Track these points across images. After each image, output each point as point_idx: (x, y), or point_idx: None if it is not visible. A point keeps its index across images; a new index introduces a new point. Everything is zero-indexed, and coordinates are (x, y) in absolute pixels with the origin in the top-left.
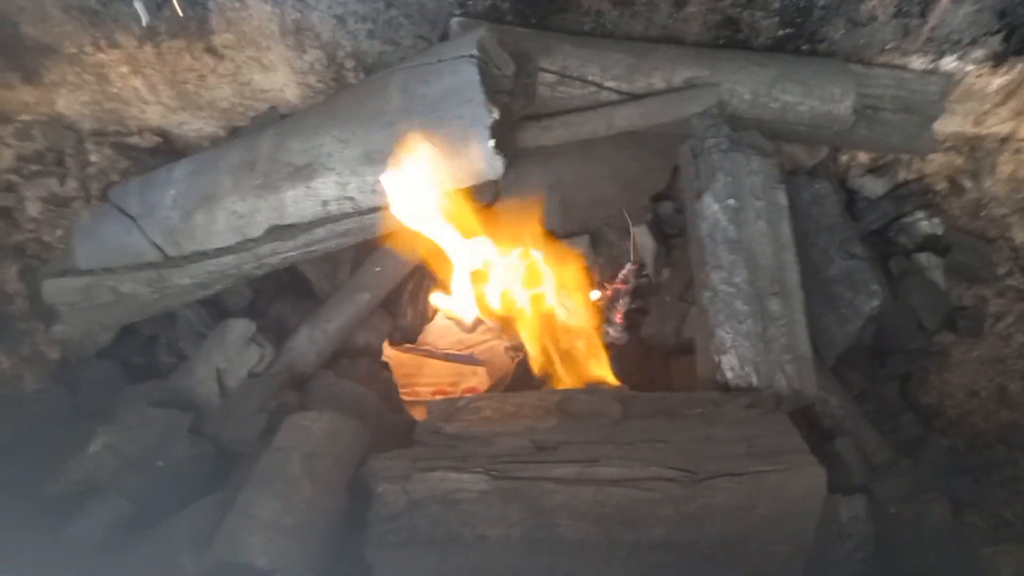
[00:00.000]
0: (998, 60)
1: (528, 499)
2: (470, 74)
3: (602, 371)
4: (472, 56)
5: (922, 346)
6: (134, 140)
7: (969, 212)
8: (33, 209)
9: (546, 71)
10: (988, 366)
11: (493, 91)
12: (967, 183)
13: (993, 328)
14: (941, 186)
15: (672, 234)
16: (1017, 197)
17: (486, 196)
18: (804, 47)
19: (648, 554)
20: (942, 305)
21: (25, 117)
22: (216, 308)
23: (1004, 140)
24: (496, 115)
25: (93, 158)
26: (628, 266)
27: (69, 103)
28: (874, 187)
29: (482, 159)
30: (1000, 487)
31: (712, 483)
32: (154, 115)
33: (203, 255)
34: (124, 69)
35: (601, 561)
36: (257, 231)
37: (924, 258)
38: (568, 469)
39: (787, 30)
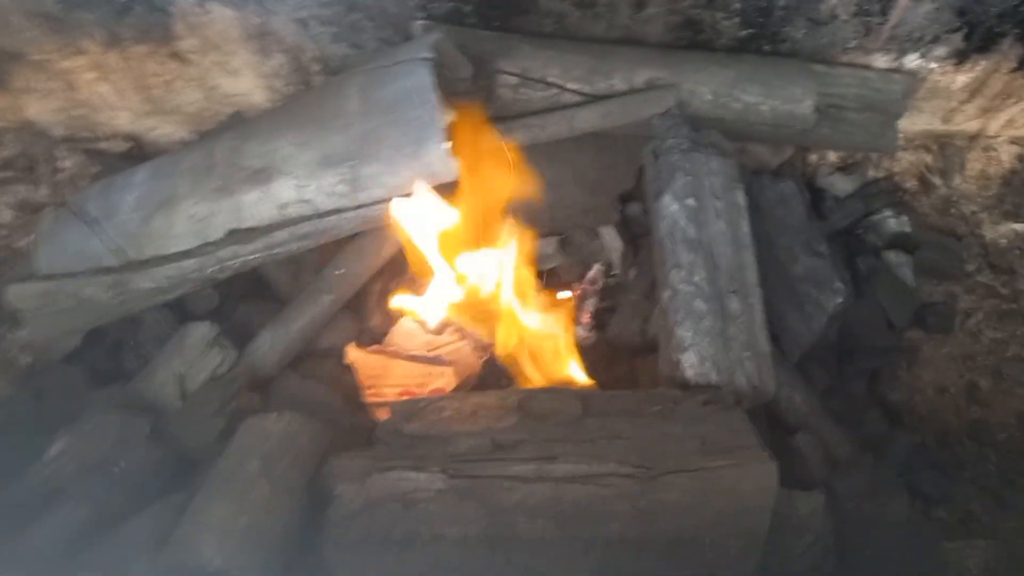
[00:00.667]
0: (960, 58)
1: (485, 497)
2: (424, 77)
3: (570, 371)
4: (427, 59)
5: (891, 343)
6: (105, 146)
7: (939, 209)
8: (4, 216)
9: (507, 73)
10: (958, 362)
11: (449, 93)
12: (936, 180)
13: (963, 325)
14: (910, 184)
15: (640, 234)
16: (986, 194)
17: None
18: (766, 47)
19: (605, 550)
20: (911, 302)
21: None
22: (181, 312)
23: (973, 137)
24: (449, 118)
25: (64, 164)
26: (596, 267)
27: (38, 110)
28: (843, 185)
29: (437, 161)
30: (969, 483)
31: (666, 479)
32: (124, 120)
33: (163, 259)
34: (91, 75)
35: (558, 558)
36: (216, 234)
37: (893, 256)
38: (525, 467)
39: (749, 31)
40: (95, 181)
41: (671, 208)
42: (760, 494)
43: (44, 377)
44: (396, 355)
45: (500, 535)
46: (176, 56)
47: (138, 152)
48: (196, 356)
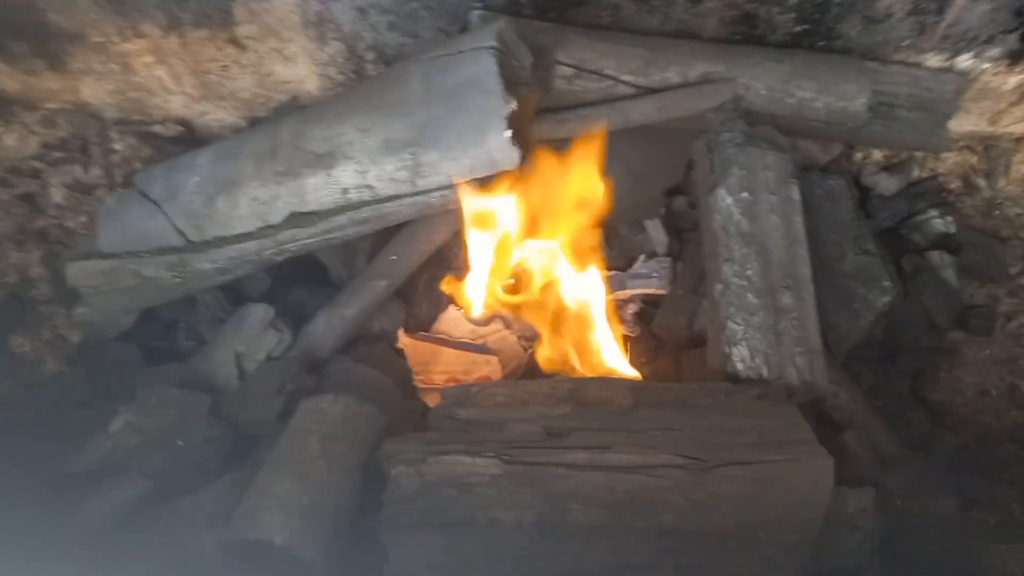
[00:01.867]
0: (1014, 58)
1: (540, 484)
2: (489, 64)
3: (617, 362)
4: (491, 47)
5: (933, 344)
6: (157, 129)
7: (982, 211)
8: (57, 196)
9: (563, 64)
10: (999, 365)
11: (511, 82)
12: (981, 182)
13: (1004, 328)
14: (955, 185)
15: (684, 228)
16: None
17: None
18: (820, 44)
19: (657, 540)
20: (954, 303)
21: (50, 105)
22: (235, 294)
23: (1019, 140)
24: (513, 105)
25: (117, 146)
26: (640, 259)
27: (94, 91)
28: (888, 185)
29: (499, 149)
30: (1009, 485)
31: (722, 471)
32: (177, 105)
33: (224, 240)
34: (149, 59)
35: (611, 546)
36: (278, 217)
37: (936, 256)
38: (580, 455)
39: (803, 26)
40: (152, 163)
41: (725, 201)
42: (816, 489)
43: (98, 355)
44: (443, 342)
45: (554, 522)
46: (234, 41)
47: (189, 136)
48: (254, 337)
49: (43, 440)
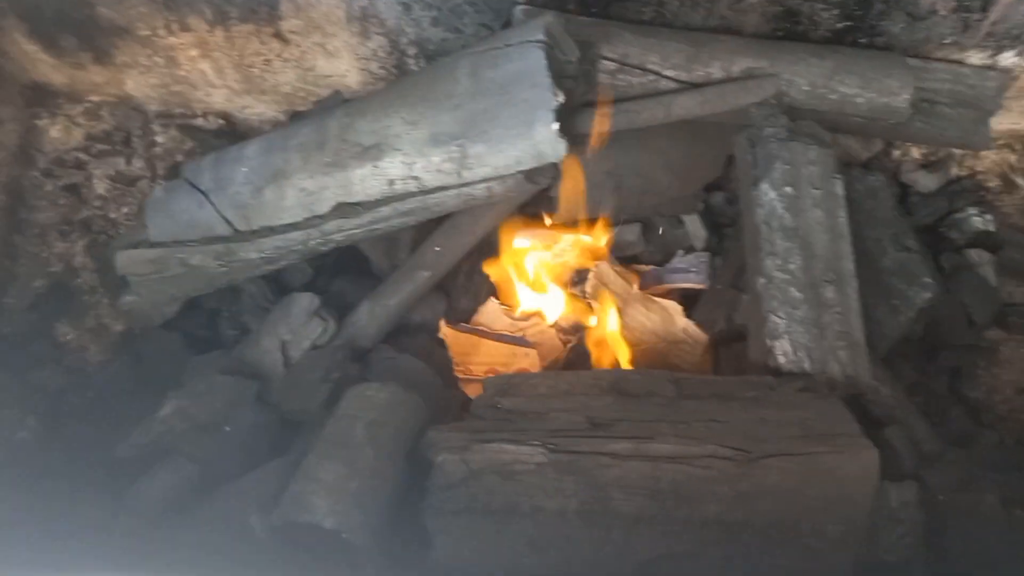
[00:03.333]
0: None
1: (584, 473)
2: (537, 58)
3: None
4: (539, 41)
5: (972, 341)
6: (199, 122)
7: (1021, 210)
8: (100, 187)
9: (606, 59)
10: None
11: (558, 76)
12: (1020, 181)
13: None
14: (994, 183)
15: (723, 223)
16: None
17: (545, 180)
18: (862, 40)
19: (701, 530)
20: (992, 301)
21: (94, 97)
22: (278, 284)
23: None
24: (561, 99)
25: (159, 139)
26: (679, 253)
27: (138, 84)
28: (927, 182)
29: (545, 142)
30: None
31: (767, 463)
32: (219, 98)
33: (271, 230)
34: (193, 52)
35: (654, 535)
36: (324, 208)
37: (975, 254)
38: (623, 445)
39: (846, 23)
40: (194, 156)
41: (768, 196)
42: (861, 481)
43: (143, 343)
44: (483, 334)
45: (598, 510)
46: (278, 36)
47: (229, 130)
48: (300, 325)
49: (89, 426)
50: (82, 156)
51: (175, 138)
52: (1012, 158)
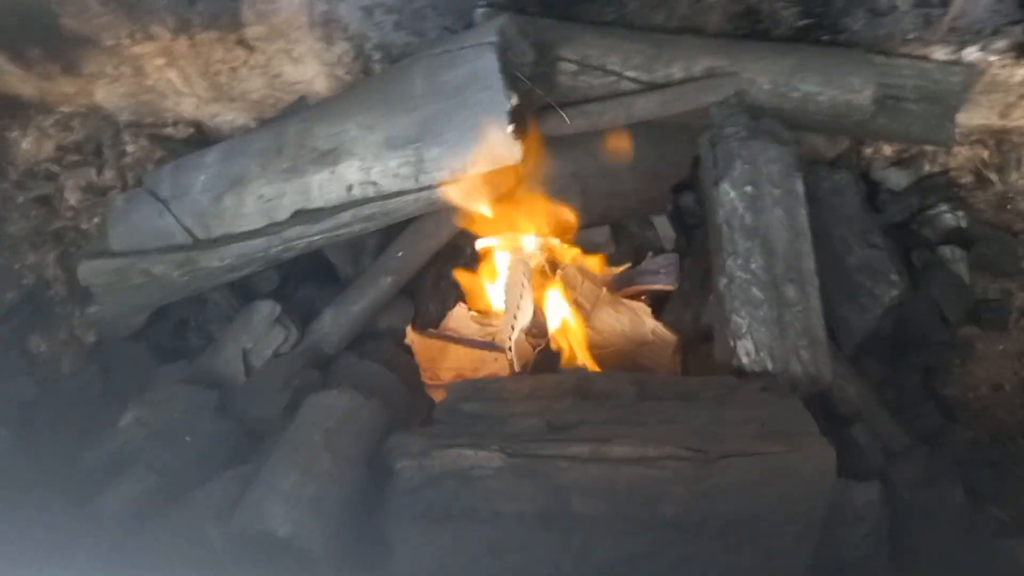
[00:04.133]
0: (1021, 51)
1: (542, 476)
2: (490, 60)
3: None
4: (492, 43)
5: (945, 339)
6: (169, 131)
7: (995, 206)
8: (72, 198)
9: (567, 60)
10: (1012, 360)
11: (512, 78)
12: (993, 176)
13: (1019, 322)
14: (966, 179)
15: (693, 224)
16: None
17: (508, 180)
18: (824, 37)
19: (659, 532)
20: (966, 298)
21: (65, 108)
22: (244, 292)
23: None
24: (514, 101)
25: (130, 148)
26: (648, 255)
27: (107, 94)
28: (898, 179)
29: (501, 143)
30: (1023, 481)
31: (723, 463)
32: (188, 107)
33: (232, 238)
34: (160, 61)
35: (612, 537)
36: (284, 214)
37: (948, 251)
38: (581, 447)
39: (808, 20)
40: (161, 164)
41: (729, 196)
42: (818, 479)
43: (110, 354)
44: (451, 339)
45: (556, 513)
46: (243, 43)
47: (200, 138)
48: (261, 333)
49: (58, 437)
50: (53, 167)
51: (145, 148)
52: (984, 154)
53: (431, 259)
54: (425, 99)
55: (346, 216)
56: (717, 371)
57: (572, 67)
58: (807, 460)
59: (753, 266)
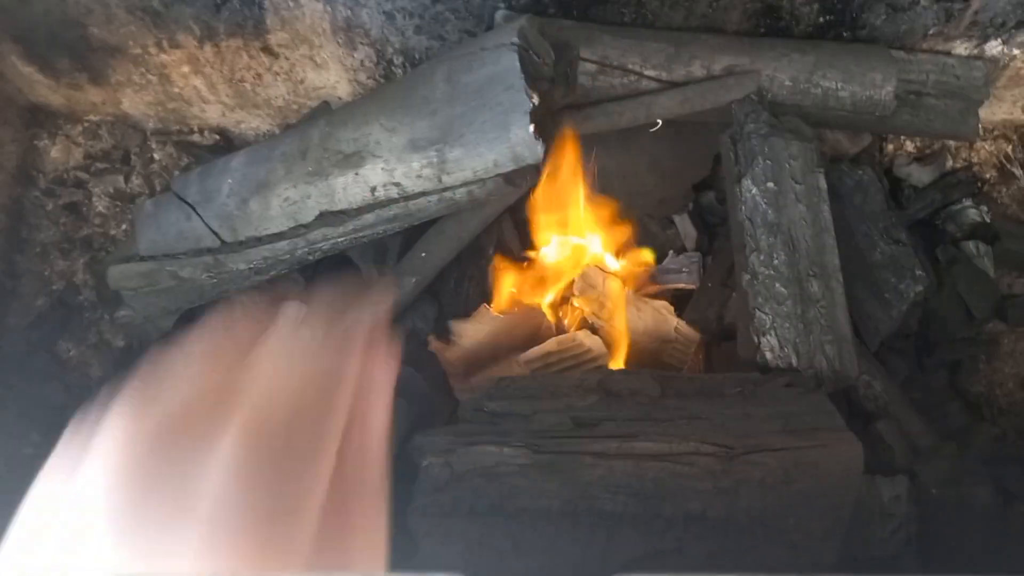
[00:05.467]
0: None
1: (567, 472)
2: (511, 61)
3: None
4: (513, 44)
5: (971, 335)
6: (195, 138)
7: (1019, 200)
8: (100, 204)
9: (587, 60)
10: None
11: (533, 78)
12: (1017, 171)
13: None
14: (990, 174)
15: (714, 223)
16: None
17: (525, 182)
18: (845, 34)
19: (685, 527)
20: (991, 293)
21: (93, 117)
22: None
23: None
24: (536, 101)
25: (157, 156)
26: (670, 254)
27: (134, 103)
28: (921, 176)
29: (522, 144)
30: None
31: (749, 458)
32: (214, 114)
33: (258, 240)
34: (185, 69)
35: (638, 533)
36: (308, 217)
37: (972, 246)
38: (607, 444)
39: (828, 17)
40: (190, 169)
41: (751, 192)
42: (845, 475)
43: (139, 357)
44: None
45: (582, 509)
46: (267, 50)
47: (225, 145)
48: None
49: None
50: (82, 175)
51: (172, 155)
52: (1008, 148)
53: (454, 259)
54: (446, 101)
55: (370, 217)
56: (741, 367)
57: (592, 67)
58: (834, 455)
59: (776, 262)
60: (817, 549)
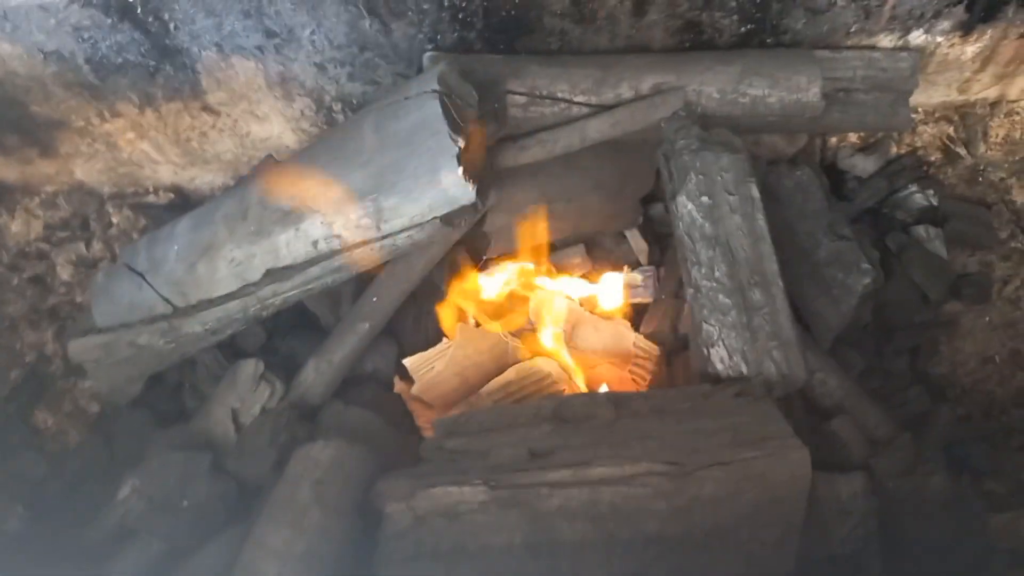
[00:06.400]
0: (966, 29)
1: (526, 505)
2: (433, 108)
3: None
4: (434, 91)
5: (929, 318)
6: (151, 199)
7: (966, 179)
8: (64, 273)
9: (516, 93)
10: (1000, 331)
11: (458, 121)
12: (961, 151)
13: (1001, 292)
14: (934, 156)
15: (665, 233)
16: (1013, 160)
17: (462, 222)
18: (768, 40)
19: (644, 549)
20: (944, 275)
21: (49, 188)
22: (232, 350)
23: (993, 104)
24: (461, 144)
25: (115, 219)
26: (625, 269)
27: (86, 171)
28: (865, 165)
29: (453, 186)
30: (1018, 452)
31: (700, 474)
32: (166, 173)
33: (209, 303)
34: (131, 135)
35: (600, 559)
36: (256, 275)
37: (923, 230)
38: (562, 473)
39: (749, 26)
40: (142, 234)
41: (687, 208)
42: (794, 482)
43: (113, 423)
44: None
45: (543, 541)
46: (208, 109)
47: (182, 202)
48: (247, 392)
49: (68, 510)
50: (43, 246)
51: (129, 217)
52: (950, 129)
53: (407, 298)
54: (377, 151)
55: (315, 270)
56: (694, 379)
57: (522, 99)
58: (782, 464)
59: (717, 274)
60: (772, 558)
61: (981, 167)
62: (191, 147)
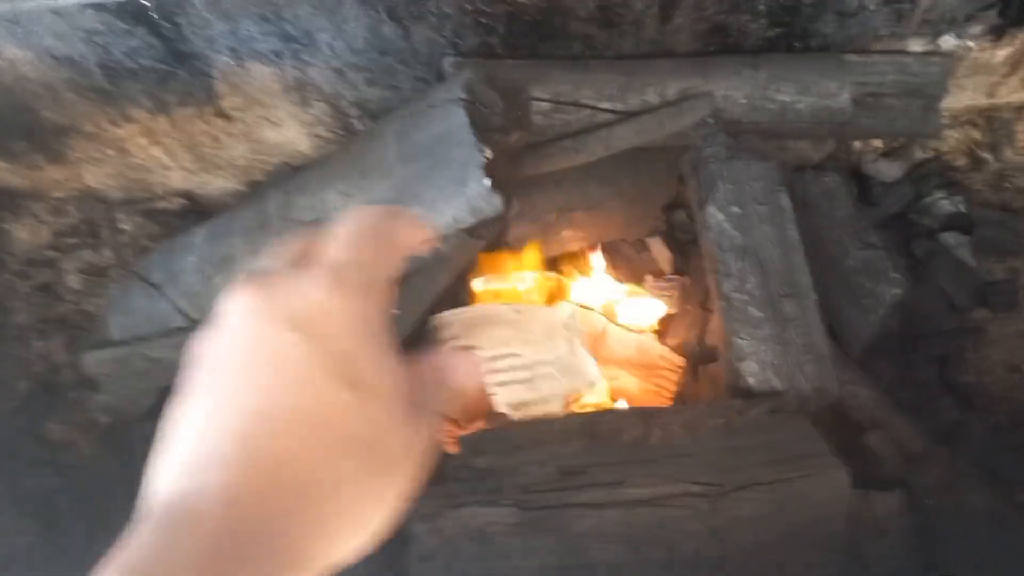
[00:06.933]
0: (997, 33)
1: (557, 527)
2: (459, 117)
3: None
4: (460, 99)
5: (956, 326)
6: (161, 205)
7: (992, 185)
8: (73, 281)
9: (539, 100)
10: None
11: (484, 130)
12: (987, 156)
13: None
14: (961, 162)
15: (688, 240)
16: None
17: (488, 233)
18: (797, 45)
19: (680, 570)
20: (972, 282)
21: (57, 194)
22: None
23: (1020, 108)
24: (488, 154)
25: (124, 226)
26: (647, 279)
27: (96, 177)
28: (890, 171)
29: (479, 197)
30: None
31: (738, 495)
32: (177, 179)
33: None
34: (142, 140)
35: None
36: None
37: (950, 237)
38: (595, 493)
39: (777, 30)
40: (155, 243)
41: (716, 218)
42: (833, 501)
43: (126, 435)
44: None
45: (575, 563)
46: (221, 114)
47: (193, 208)
48: None
49: (80, 522)
50: (52, 253)
51: (139, 224)
52: (976, 134)
53: (429, 311)
54: (400, 162)
55: None
56: (724, 393)
57: (546, 105)
58: (820, 483)
59: (748, 286)
60: None
61: (1007, 172)
62: (203, 153)
